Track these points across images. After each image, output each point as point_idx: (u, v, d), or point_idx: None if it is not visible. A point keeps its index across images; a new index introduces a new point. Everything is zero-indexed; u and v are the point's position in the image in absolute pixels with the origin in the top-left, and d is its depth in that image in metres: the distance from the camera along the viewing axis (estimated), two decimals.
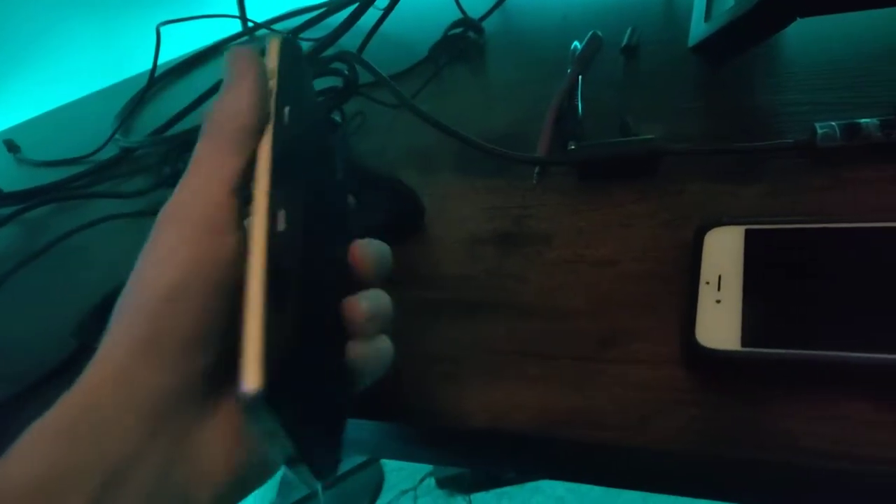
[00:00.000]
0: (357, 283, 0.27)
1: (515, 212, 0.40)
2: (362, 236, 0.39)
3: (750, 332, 0.27)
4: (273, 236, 0.22)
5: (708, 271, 0.30)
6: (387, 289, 0.27)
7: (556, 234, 0.38)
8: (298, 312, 0.22)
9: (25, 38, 0.88)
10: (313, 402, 0.23)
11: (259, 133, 0.24)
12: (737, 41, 0.43)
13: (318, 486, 0.25)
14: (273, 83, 0.25)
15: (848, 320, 0.26)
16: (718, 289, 0.29)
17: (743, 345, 0.27)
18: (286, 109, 0.25)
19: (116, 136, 0.68)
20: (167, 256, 0.23)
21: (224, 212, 0.23)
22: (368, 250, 0.27)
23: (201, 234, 0.23)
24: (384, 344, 0.27)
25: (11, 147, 0.74)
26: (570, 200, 0.40)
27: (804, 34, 0.48)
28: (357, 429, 0.31)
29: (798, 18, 0.40)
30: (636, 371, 0.29)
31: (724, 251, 0.31)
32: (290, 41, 0.27)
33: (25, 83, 0.90)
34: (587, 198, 0.39)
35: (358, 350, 0.26)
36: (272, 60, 0.26)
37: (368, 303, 0.26)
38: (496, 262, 0.37)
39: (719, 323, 0.28)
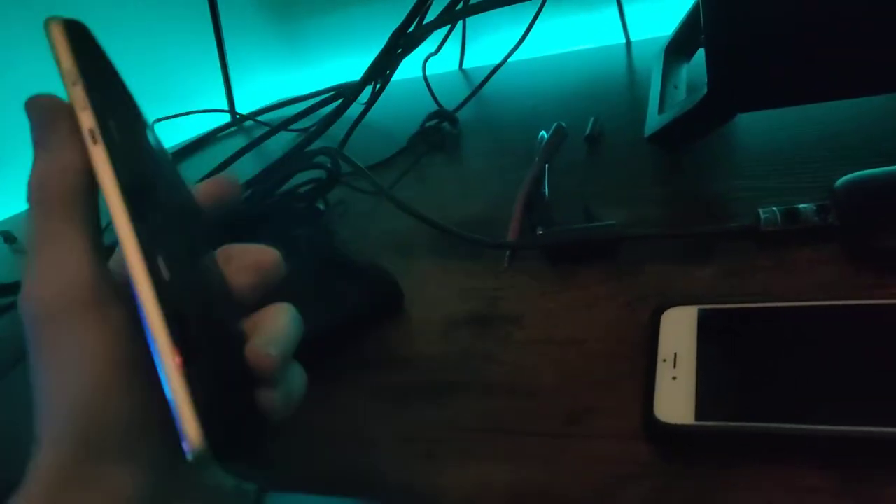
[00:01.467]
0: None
1: (488, 294, 0.43)
2: (344, 318, 0.41)
3: (703, 406, 0.29)
4: (159, 284, 0.20)
5: (664, 349, 0.32)
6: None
7: (526, 315, 0.40)
8: (210, 355, 0.21)
9: (20, 131, 0.91)
10: (240, 431, 0.22)
11: (90, 187, 0.22)
12: (685, 133, 0.48)
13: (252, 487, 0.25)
14: (79, 90, 0.21)
15: (795, 393, 0.28)
16: (674, 366, 0.31)
17: (697, 419, 0.29)
18: (111, 123, 0.22)
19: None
20: (67, 360, 0.21)
21: (96, 288, 0.22)
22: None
23: (87, 322, 0.21)
24: (292, 384, 0.24)
25: (8, 238, 0.77)
26: (539, 283, 0.42)
27: (751, 123, 0.52)
28: None
29: (738, 114, 0.44)
30: (600, 446, 0.30)
31: (678, 330, 0.33)
32: (72, 22, 0.22)
33: (20, 175, 0.93)
34: (555, 280, 0.42)
35: (265, 400, 0.23)
36: (65, 56, 0.21)
37: (275, 350, 0.23)
38: (470, 342, 0.39)
39: (675, 398, 0.30)
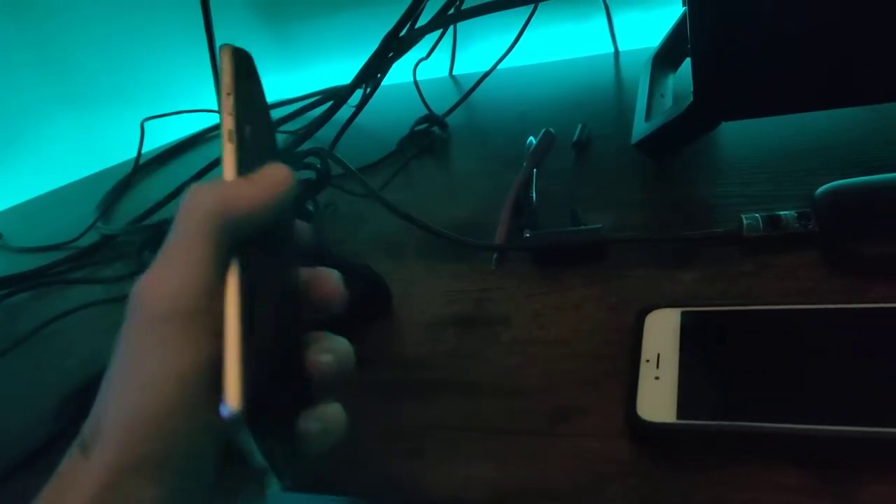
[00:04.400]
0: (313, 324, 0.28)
1: (476, 295, 0.43)
2: (332, 321, 0.41)
3: (685, 405, 0.29)
4: (244, 266, 0.23)
5: (648, 350, 0.33)
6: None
7: (513, 316, 0.41)
8: (268, 336, 0.23)
9: (10, 128, 0.91)
10: (280, 420, 0.24)
11: (235, 218, 0.24)
12: (671, 140, 0.48)
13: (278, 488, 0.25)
14: (230, 100, 0.26)
15: (774, 393, 0.29)
16: (657, 366, 0.32)
17: (678, 417, 0.29)
18: (247, 129, 0.26)
19: (98, 223, 0.71)
20: (146, 364, 0.22)
21: (201, 303, 0.23)
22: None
23: (177, 335, 0.22)
24: (334, 411, 0.26)
25: None
26: (526, 284, 0.43)
27: (736, 132, 0.53)
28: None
29: (723, 122, 0.45)
30: (584, 444, 0.31)
31: (662, 332, 0.34)
32: (241, 51, 0.27)
33: (9, 172, 0.92)
34: (542, 282, 0.43)
35: (308, 422, 0.25)
36: (227, 74, 0.26)
37: (331, 356, 0.26)
38: (457, 343, 0.40)
39: (658, 398, 0.30)
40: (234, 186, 0.25)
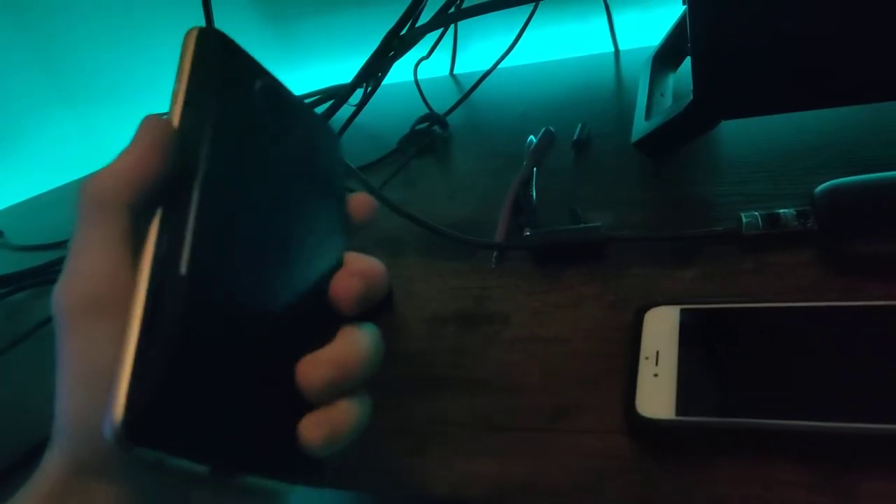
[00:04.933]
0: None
1: (476, 293, 0.44)
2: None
3: (683, 402, 0.30)
4: (154, 263, 0.21)
5: (647, 347, 0.33)
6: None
7: (513, 313, 0.41)
8: (186, 346, 0.20)
9: (10, 126, 0.91)
10: (236, 421, 0.21)
11: (142, 195, 0.22)
12: (670, 139, 0.49)
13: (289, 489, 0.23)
14: (181, 87, 0.23)
15: (773, 390, 0.29)
16: (656, 363, 0.32)
17: (677, 414, 0.29)
18: (210, 121, 0.22)
19: None
20: (81, 376, 0.21)
21: (117, 299, 0.21)
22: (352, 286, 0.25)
23: (99, 332, 0.21)
24: (340, 413, 0.24)
25: None
26: (526, 282, 0.43)
27: (735, 131, 0.54)
28: (321, 499, 0.33)
29: (722, 121, 0.45)
30: (584, 441, 0.31)
31: (661, 329, 0.34)
32: (212, 32, 0.23)
33: (9, 170, 0.93)
34: (541, 280, 0.43)
35: (306, 428, 0.23)
36: (185, 60, 0.23)
37: (326, 371, 0.23)
38: (457, 340, 0.40)
39: (657, 394, 0.30)
40: (113, 163, 0.22)
